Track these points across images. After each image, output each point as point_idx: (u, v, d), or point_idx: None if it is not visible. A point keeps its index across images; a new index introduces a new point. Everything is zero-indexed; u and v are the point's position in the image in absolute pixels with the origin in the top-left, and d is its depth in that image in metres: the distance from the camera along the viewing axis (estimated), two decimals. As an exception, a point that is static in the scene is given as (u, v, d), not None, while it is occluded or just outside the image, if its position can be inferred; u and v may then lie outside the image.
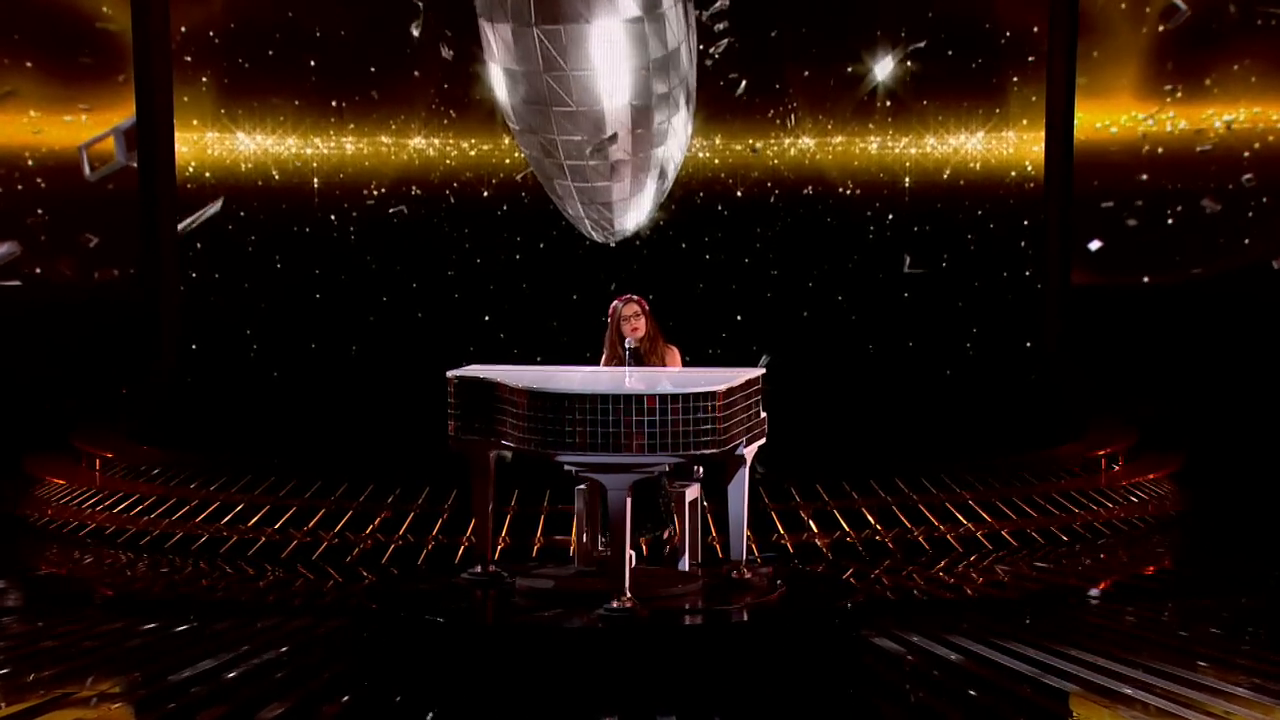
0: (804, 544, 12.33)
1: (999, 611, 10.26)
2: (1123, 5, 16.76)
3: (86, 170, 16.42)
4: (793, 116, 16.49)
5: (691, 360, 9.50)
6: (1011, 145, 16.64)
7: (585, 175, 12.12)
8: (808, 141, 16.67)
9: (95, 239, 16.50)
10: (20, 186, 16.60)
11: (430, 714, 7.94)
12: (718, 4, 12.47)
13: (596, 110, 11.56)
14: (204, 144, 16.66)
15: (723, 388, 8.10)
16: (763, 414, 8.76)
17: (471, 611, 8.40)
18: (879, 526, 12.83)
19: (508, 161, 16.44)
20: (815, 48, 16.41)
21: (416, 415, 12.19)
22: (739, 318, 16.62)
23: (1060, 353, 16.77)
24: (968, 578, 11.43)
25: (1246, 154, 16.69)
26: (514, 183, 16.40)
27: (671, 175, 12.76)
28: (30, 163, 16.59)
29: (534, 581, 8.74)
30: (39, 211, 16.60)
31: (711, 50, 13.67)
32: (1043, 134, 16.50)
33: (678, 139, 12.02)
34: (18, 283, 16.51)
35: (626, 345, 9.06)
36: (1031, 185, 16.61)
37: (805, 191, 16.75)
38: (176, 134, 16.61)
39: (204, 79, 16.56)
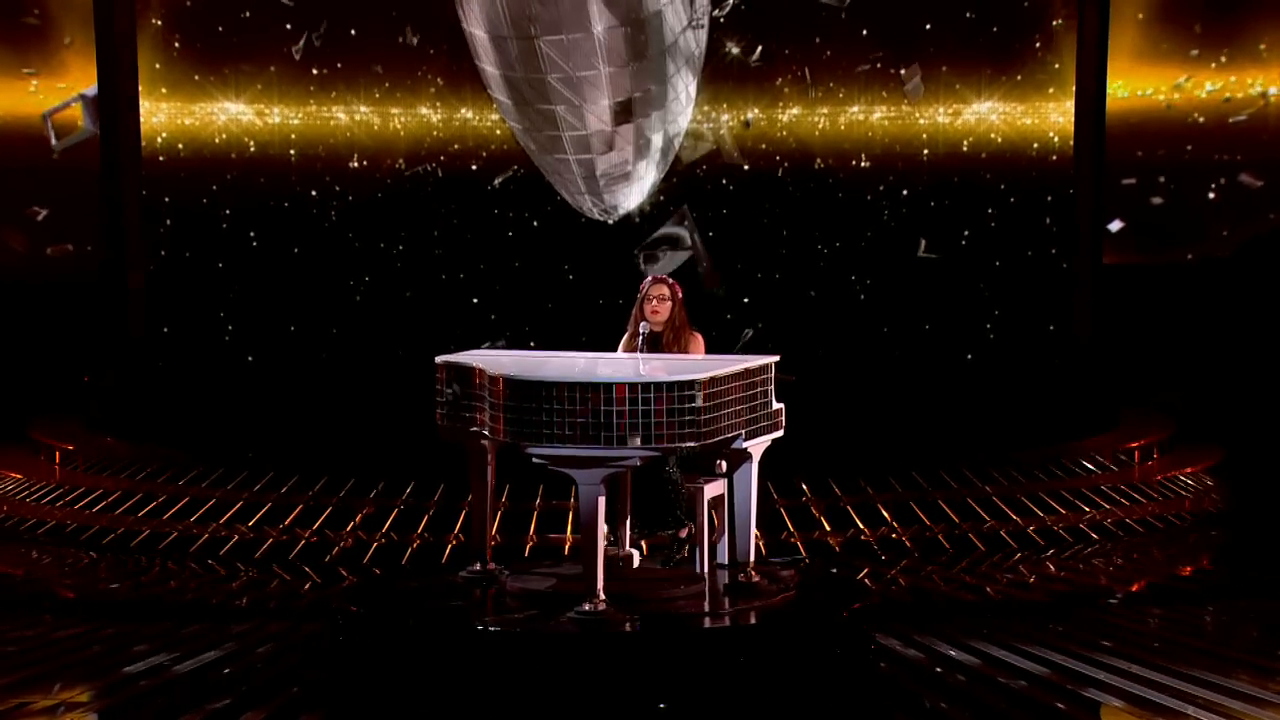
0: (815, 542, 12.35)
1: (1023, 614, 10.27)
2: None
3: (53, 140, 16.36)
4: (812, 90, 16.47)
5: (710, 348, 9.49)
6: (1035, 115, 16.64)
7: (587, 146, 11.89)
8: (825, 110, 16.71)
9: (44, 211, 16.46)
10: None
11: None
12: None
13: (591, 74, 11.33)
14: (174, 113, 16.61)
15: (704, 376, 8.07)
16: (775, 405, 8.73)
17: (449, 613, 8.41)
18: (895, 524, 12.83)
19: (499, 132, 16.42)
20: (827, 11, 16.44)
21: (402, 403, 12.17)
22: (745, 299, 16.58)
23: (1090, 337, 16.81)
24: (990, 578, 11.42)
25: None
26: (506, 155, 16.37)
27: (674, 147, 12.69)
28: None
29: (527, 582, 8.77)
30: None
31: (717, 12, 13.40)
32: (1068, 103, 16.50)
33: (680, 108, 11.85)
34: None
35: (642, 329, 9.11)
36: (1055, 158, 16.61)
37: (815, 164, 16.71)
38: (145, 103, 16.57)
39: (176, 44, 16.53)
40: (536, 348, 14.43)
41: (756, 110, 16.69)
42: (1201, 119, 16.69)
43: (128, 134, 16.47)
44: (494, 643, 8.04)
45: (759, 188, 16.76)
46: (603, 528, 8.20)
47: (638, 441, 7.96)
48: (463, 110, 16.70)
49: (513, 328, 16.37)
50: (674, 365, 8.58)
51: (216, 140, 16.68)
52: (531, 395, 8.08)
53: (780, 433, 8.79)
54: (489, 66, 12.16)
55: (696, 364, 8.55)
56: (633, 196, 13.02)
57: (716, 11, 12.45)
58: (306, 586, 11.25)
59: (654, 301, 9.14)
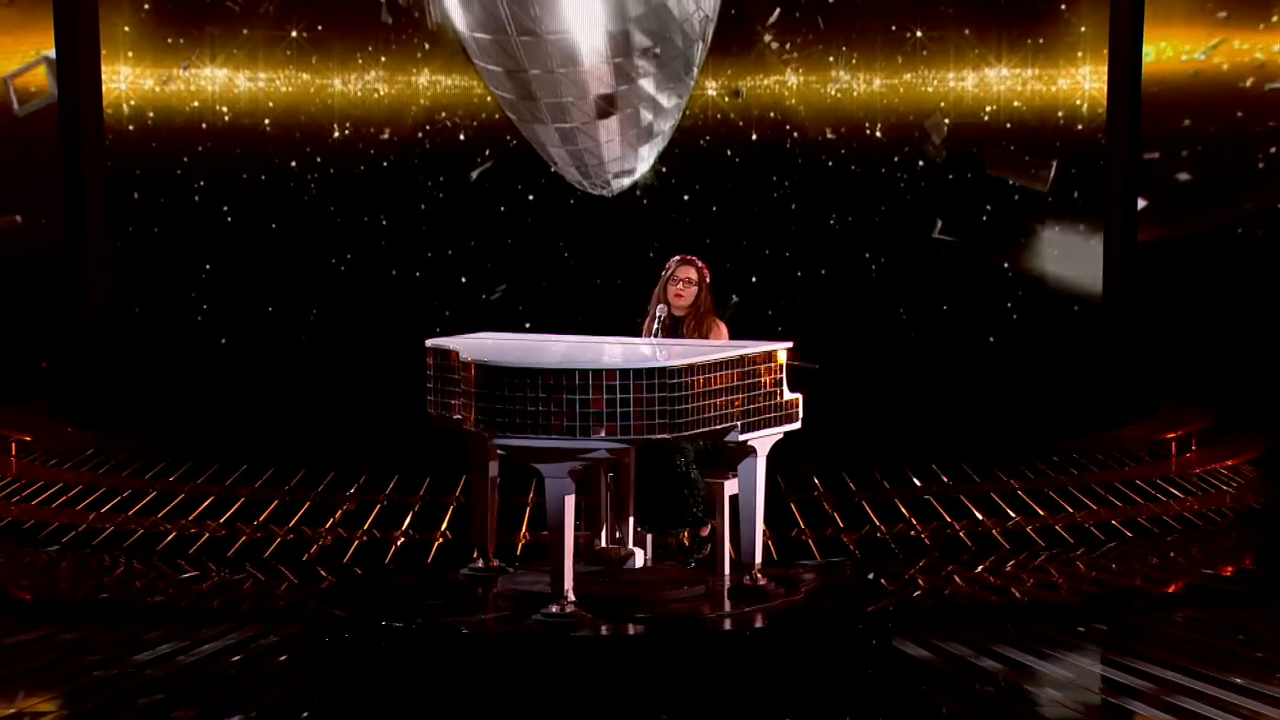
0: (828, 541, 12.32)
1: (1051, 618, 10.24)
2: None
3: (15, 105, 16.43)
4: (839, 60, 16.59)
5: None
6: (1061, 81, 16.68)
7: (569, 115, 11.80)
8: (842, 77, 16.79)
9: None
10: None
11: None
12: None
13: (567, 39, 11.33)
14: (142, 79, 16.61)
15: (678, 363, 8.06)
16: (787, 396, 8.69)
17: (424, 613, 8.43)
18: (914, 520, 12.78)
19: (489, 100, 16.33)
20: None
21: (385, 390, 12.33)
22: (753, 279, 16.67)
23: (1123, 319, 16.81)
24: (1016, 579, 11.37)
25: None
26: (497, 124, 16.37)
27: (674, 118, 12.86)
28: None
29: (519, 581, 8.76)
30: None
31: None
32: (1095, 68, 16.54)
33: (679, 75, 11.80)
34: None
35: (659, 312, 9.13)
36: (1081, 127, 16.66)
37: (827, 134, 16.78)
38: (110, 68, 16.59)
39: (145, 5, 16.56)
40: (532, 329, 14.60)
41: (765, 77, 16.73)
42: (1249, 83, 16.69)
43: (89, 100, 16.50)
44: (455, 645, 8.08)
45: (766, 159, 16.80)
46: (570, 525, 8.19)
47: (602, 432, 7.97)
48: (452, 76, 16.74)
49: (505, 308, 16.43)
50: (686, 352, 8.54)
51: (188, 107, 16.71)
52: (499, 382, 8.09)
53: (794, 425, 8.75)
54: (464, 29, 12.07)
55: (699, 351, 8.51)
56: (627, 169, 12.89)
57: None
58: (283, 587, 11.23)
59: (679, 284, 9.14)
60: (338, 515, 12.87)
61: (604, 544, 9.02)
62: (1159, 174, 16.72)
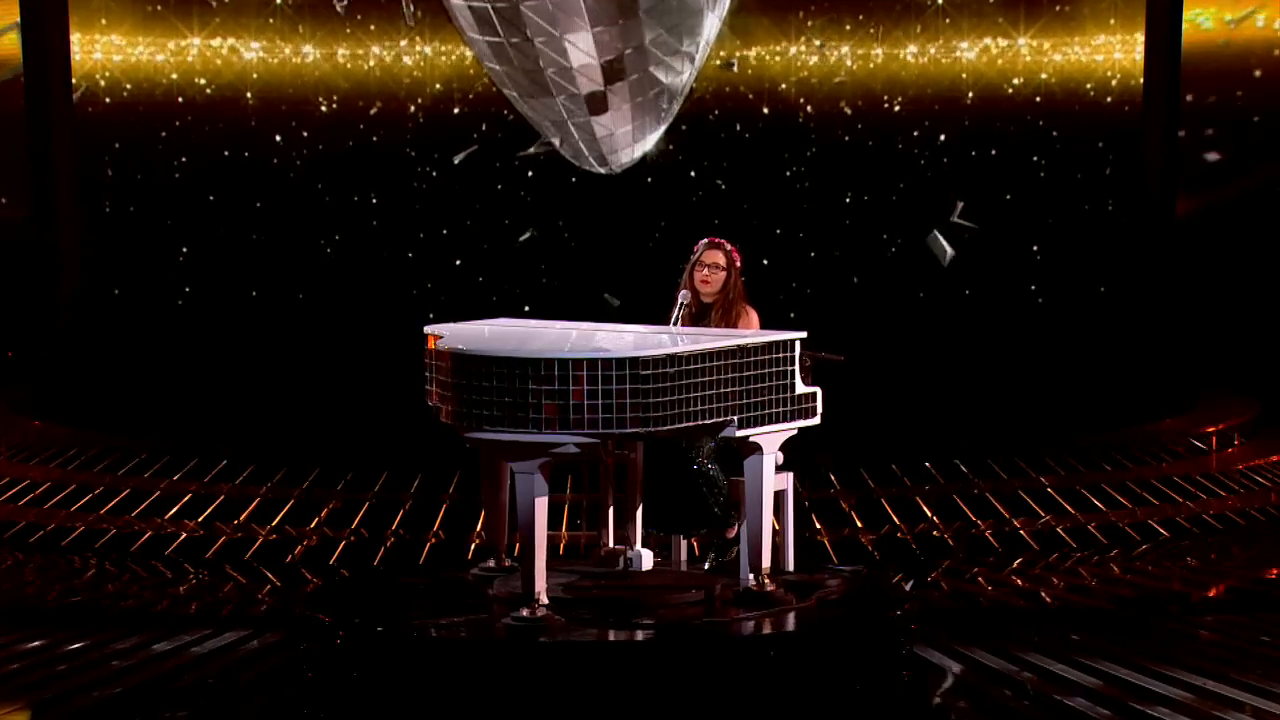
0: (845, 541, 12.27)
1: (1083, 623, 10.20)
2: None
3: None
4: (856, 29, 16.57)
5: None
6: (1091, 52, 16.67)
7: (569, 85, 11.79)
8: (859, 47, 16.75)
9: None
10: None
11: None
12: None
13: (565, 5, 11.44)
14: (116, 50, 16.54)
15: (653, 353, 8.05)
16: (801, 389, 8.65)
17: (404, 616, 8.51)
18: (936, 519, 12.76)
19: (486, 72, 16.07)
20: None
21: (375, 380, 12.75)
22: (764, 261, 16.55)
23: (1161, 305, 16.79)
24: (1045, 582, 11.35)
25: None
26: (493, 98, 16.25)
27: (683, 91, 12.92)
28: None
29: (517, 583, 8.69)
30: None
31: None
32: (1128, 38, 16.50)
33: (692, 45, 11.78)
34: None
35: (682, 298, 9.11)
36: (1110, 100, 16.67)
37: (842, 108, 16.76)
38: (82, 37, 16.52)
39: None
40: (531, 315, 14.67)
41: (777, 48, 16.66)
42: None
43: (57, 71, 16.46)
44: (422, 649, 8.13)
45: (778, 135, 16.76)
46: (542, 524, 8.19)
47: (569, 426, 8.00)
48: (445, 46, 16.69)
49: (501, 292, 16.40)
50: (681, 341, 8.54)
51: (166, 80, 16.63)
52: (467, 371, 8.15)
53: (810, 421, 8.71)
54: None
55: (697, 340, 8.50)
56: (632, 146, 12.82)
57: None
58: (265, 591, 11.19)
59: (706, 270, 9.07)
60: (323, 514, 12.88)
61: (611, 545, 9.01)
62: (1197, 148, 16.77)
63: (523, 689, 7.93)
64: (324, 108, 16.69)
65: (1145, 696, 8.64)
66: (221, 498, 13.16)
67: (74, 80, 16.37)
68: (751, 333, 8.72)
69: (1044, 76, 16.62)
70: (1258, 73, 16.62)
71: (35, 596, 11.04)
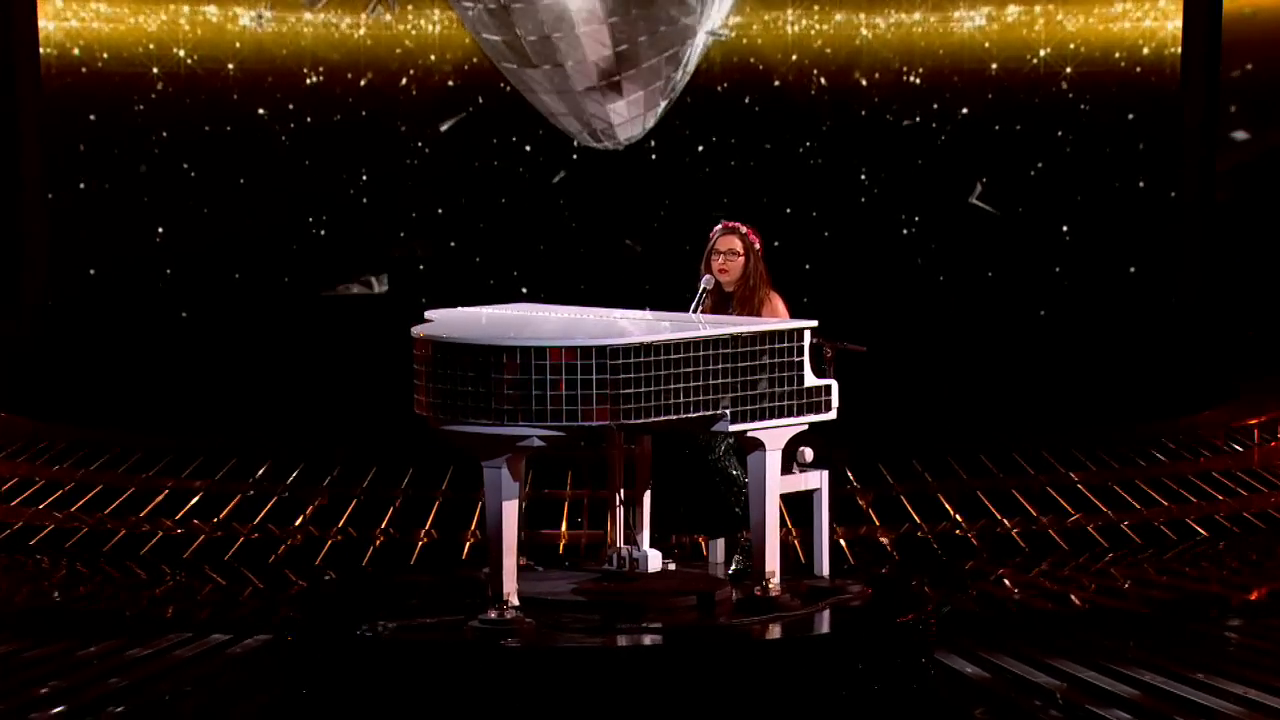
0: (861, 541, 12.32)
1: (1116, 628, 10.20)
2: None
3: None
4: None
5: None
6: (1121, 18, 16.57)
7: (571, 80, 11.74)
8: (875, 15, 16.67)
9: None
10: None
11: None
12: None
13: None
14: (87, 17, 16.46)
15: (625, 341, 8.10)
16: (811, 382, 8.64)
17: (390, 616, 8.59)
18: (959, 518, 12.79)
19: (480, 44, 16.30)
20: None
21: (364, 369, 12.68)
22: (775, 242, 16.26)
23: (1199, 289, 16.68)
24: (1075, 584, 11.38)
25: None
26: (489, 69, 16.21)
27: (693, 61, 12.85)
28: None
29: (519, 585, 8.72)
30: None
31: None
32: (1162, 2, 16.45)
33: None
34: None
35: (704, 284, 9.14)
36: (1140, 69, 16.56)
37: (858, 80, 16.66)
38: (52, 3, 16.45)
39: None
40: (528, 298, 14.62)
41: (789, 11, 16.61)
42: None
43: (24, 39, 16.32)
44: (386, 652, 8.19)
45: (790, 108, 16.66)
46: (510, 521, 8.25)
47: (530, 417, 8.05)
48: (440, 15, 16.60)
49: (498, 274, 16.32)
50: (671, 329, 8.54)
51: (140, 49, 16.52)
52: (435, 359, 8.24)
53: (823, 415, 8.71)
54: None
55: (684, 328, 8.51)
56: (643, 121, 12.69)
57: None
58: (247, 593, 11.25)
59: (722, 257, 9.12)
60: (309, 512, 12.95)
61: (620, 545, 9.03)
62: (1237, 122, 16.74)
63: (489, 693, 7.95)
64: (310, 79, 16.59)
65: (1184, 706, 8.61)
66: (200, 494, 13.22)
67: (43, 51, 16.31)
68: (753, 320, 8.72)
69: (1072, 46, 16.52)
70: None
71: (1, 599, 11.02)
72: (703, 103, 16.31)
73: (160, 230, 16.49)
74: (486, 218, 16.55)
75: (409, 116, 16.58)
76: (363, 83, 16.57)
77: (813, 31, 16.58)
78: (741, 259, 9.09)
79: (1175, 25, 16.39)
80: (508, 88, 15.87)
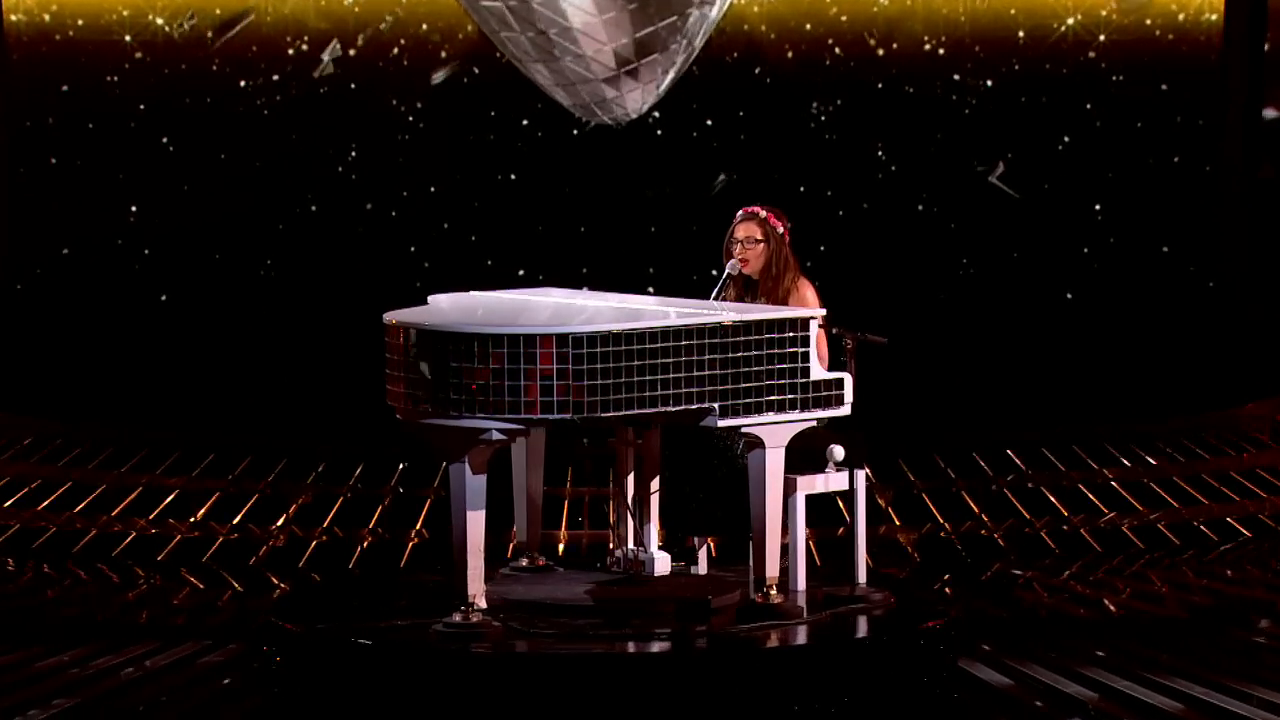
0: (879, 541, 12.28)
1: (1153, 635, 10.22)
2: None
3: None
4: None
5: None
6: None
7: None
8: None
9: None
10: None
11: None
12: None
13: None
14: None
15: (589, 329, 8.15)
16: (819, 375, 8.63)
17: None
18: (985, 517, 12.80)
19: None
20: None
21: (352, 358, 12.14)
22: (786, 222, 15.86)
23: (1241, 273, 16.61)
24: (1109, 588, 11.40)
25: None
26: (485, 39, 15.86)
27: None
28: None
29: (512, 588, 8.92)
30: None
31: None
32: None
33: None
34: None
35: (730, 268, 9.20)
36: (1173, 37, 16.45)
37: (875, 50, 16.52)
38: None
39: None
40: (525, 281, 14.73)
41: None
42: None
43: None
44: (350, 656, 8.29)
45: (802, 80, 16.55)
46: (473, 519, 8.32)
47: (487, 408, 8.13)
48: None
49: (494, 255, 16.23)
50: (657, 315, 8.62)
51: (113, 16, 16.42)
52: (397, 347, 8.36)
53: (835, 411, 8.74)
54: None
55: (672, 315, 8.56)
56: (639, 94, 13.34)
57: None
58: (225, 597, 11.27)
59: (740, 245, 9.17)
60: (291, 511, 12.97)
61: (629, 545, 9.12)
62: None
63: (452, 700, 8.04)
64: (293, 49, 16.43)
65: (1225, 719, 8.62)
66: (176, 492, 13.25)
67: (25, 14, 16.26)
68: (754, 308, 8.74)
69: (1103, 13, 16.40)
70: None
71: (-36, 604, 11.09)
72: (710, 74, 16.13)
73: (134, 209, 16.39)
74: (482, 196, 16.43)
75: (400, 88, 16.45)
76: (351, 52, 16.43)
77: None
78: (762, 245, 9.13)
79: (1215, -11, 16.48)
80: (503, 58, 15.60)
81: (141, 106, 16.35)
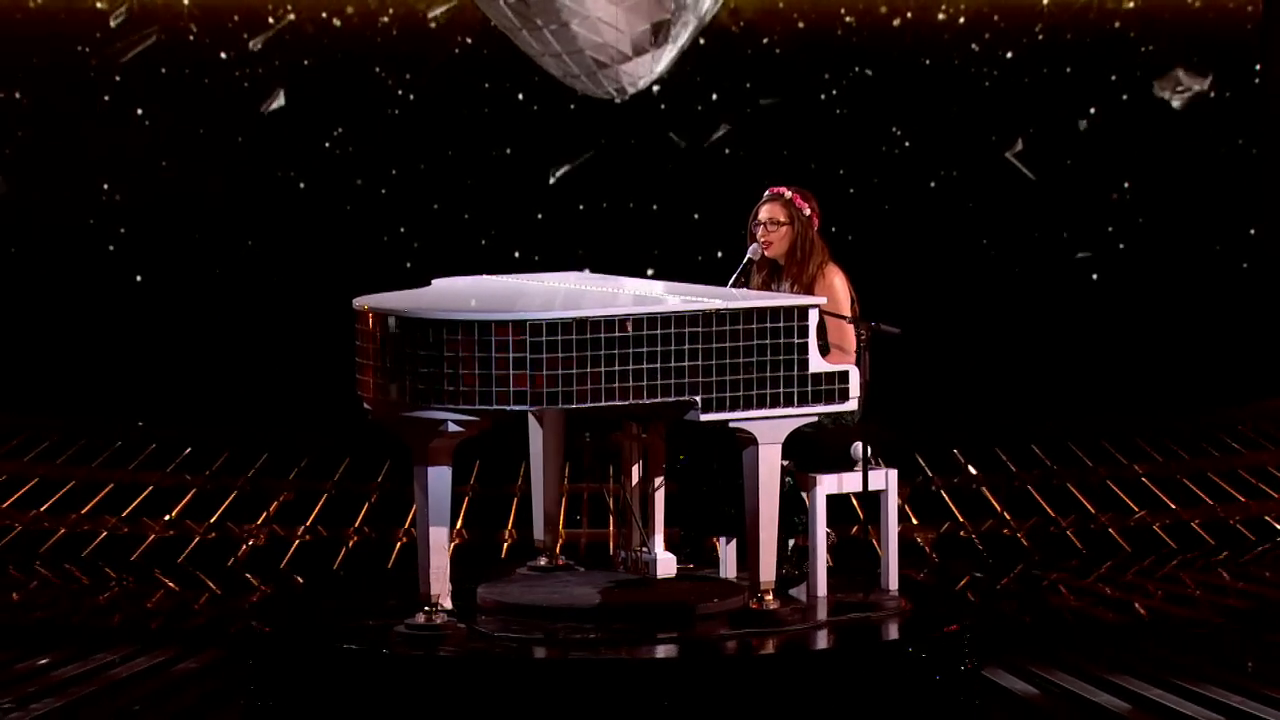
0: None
1: (1187, 641, 10.23)
2: None
3: None
4: None
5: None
6: None
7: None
8: None
9: None
10: None
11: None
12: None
13: None
14: None
15: (547, 316, 8.11)
16: (819, 367, 8.49)
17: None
18: (1007, 515, 12.80)
19: None
20: None
21: (336, 345, 11.64)
22: (814, 204, 15.90)
23: (1276, 253, 16.55)
24: (1140, 590, 11.37)
25: None
26: (473, 8, 16.09)
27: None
28: None
29: (505, 591, 8.88)
30: None
31: None
32: None
33: None
34: None
35: (751, 252, 9.15)
36: (1204, 5, 16.45)
37: (890, 20, 16.53)
38: None
39: None
40: (520, 263, 14.89)
41: None
42: None
43: None
44: (315, 659, 8.32)
45: (813, 51, 16.55)
46: (436, 515, 8.31)
47: (441, 398, 8.14)
48: None
49: (488, 235, 16.24)
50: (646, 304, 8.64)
51: None
52: (362, 333, 8.41)
53: (839, 406, 8.59)
54: None
55: (656, 303, 8.52)
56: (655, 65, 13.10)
57: None
58: (202, 600, 11.22)
59: (764, 227, 9.10)
60: (273, 508, 13.01)
61: (635, 545, 9.10)
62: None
63: (409, 703, 8.06)
64: (273, 18, 16.41)
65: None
66: (150, 488, 13.28)
67: None
68: (746, 295, 8.69)
69: (1135, -18, 16.69)
70: None
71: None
72: (716, 44, 16.16)
73: (106, 186, 16.35)
74: (474, 172, 16.39)
75: (388, 60, 16.42)
76: (337, 22, 16.44)
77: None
78: (786, 228, 9.05)
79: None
80: (496, 28, 15.83)
81: (116, 78, 16.31)
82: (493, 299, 8.87)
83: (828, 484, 8.78)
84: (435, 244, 15.90)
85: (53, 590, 11.36)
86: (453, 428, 8.17)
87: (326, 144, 16.44)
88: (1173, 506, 12.95)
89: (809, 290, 9.03)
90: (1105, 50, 16.42)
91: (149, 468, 13.65)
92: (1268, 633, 10.32)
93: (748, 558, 8.63)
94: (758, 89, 16.43)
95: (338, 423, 13.44)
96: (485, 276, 9.52)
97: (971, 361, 15.59)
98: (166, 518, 12.74)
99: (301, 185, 16.53)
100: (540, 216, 16.30)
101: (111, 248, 16.33)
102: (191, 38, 16.28)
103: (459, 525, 12.58)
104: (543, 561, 9.32)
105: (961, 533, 12.42)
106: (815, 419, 8.58)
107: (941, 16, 16.39)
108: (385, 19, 16.46)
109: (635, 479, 9.11)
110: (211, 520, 12.71)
